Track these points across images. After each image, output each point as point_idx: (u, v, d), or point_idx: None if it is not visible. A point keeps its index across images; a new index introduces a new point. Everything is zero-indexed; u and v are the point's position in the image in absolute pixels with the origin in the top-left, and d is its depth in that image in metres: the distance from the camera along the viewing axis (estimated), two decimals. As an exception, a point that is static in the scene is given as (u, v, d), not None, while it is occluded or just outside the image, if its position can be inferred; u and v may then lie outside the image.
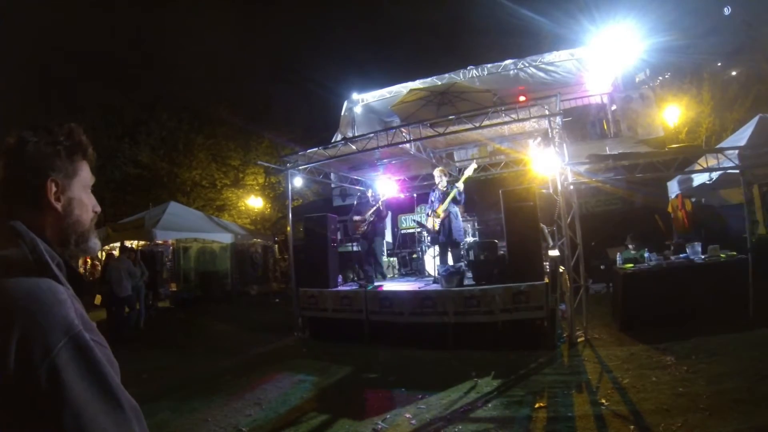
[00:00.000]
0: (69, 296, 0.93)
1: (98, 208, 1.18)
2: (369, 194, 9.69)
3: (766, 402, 3.93)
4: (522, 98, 10.54)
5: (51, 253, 0.98)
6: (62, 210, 1.06)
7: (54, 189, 1.05)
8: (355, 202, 10.26)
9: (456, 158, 12.05)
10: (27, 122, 1.09)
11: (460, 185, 8.44)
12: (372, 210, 9.19)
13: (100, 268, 13.30)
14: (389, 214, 10.70)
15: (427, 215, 8.88)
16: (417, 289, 8.10)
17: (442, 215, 8.50)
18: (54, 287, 0.92)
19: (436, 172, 8.89)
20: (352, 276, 10.21)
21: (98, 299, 10.65)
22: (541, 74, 11.80)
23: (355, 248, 10.95)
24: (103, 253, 13.47)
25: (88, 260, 17.39)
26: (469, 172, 8.63)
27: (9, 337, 0.82)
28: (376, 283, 8.90)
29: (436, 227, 8.60)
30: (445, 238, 8.54)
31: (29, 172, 1.03)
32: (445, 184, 8.73)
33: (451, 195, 8.43)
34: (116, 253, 12.15)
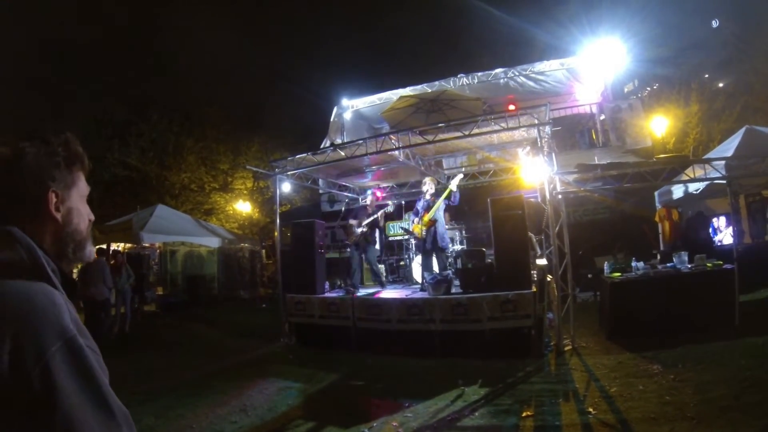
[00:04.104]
0: (64, 301, 0.93)
1: (92, 217, 1.19)
2: (368, 202, 9.55)
3: (752, 410, 3.94)
4: (511, 107, 10.61)
5: (47, 259, 0.97)
6: (62, 220, 1.07)
7: (54, 200, 1.05)
8: (343, 208, 10.15)
9: (445, 166, 12.07)
10: (20, 130, 1.08)
11: (448, 193, 8.45)
12: (369, 220, 9.11)
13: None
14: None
15: (413, 223, 8.86)
16: (404, 296, 8.06)
17: (428, 223, 8.50)
18: (49, 291, 0.91)
19: (426, 181, 8.90)
20: (339, 282, 10.15)
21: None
22: (531, 83, 11.90)
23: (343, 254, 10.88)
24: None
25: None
26: (455, 182, 8.65)
27: (2, 340, 0.81)
28: (365, 291, 8.81)
29: (422, 235, 8.60)
30: (431, 245, 8.54)
31: (30, 183, 1.02)
32: (432, 191, 8.73)
33: (437, 204, 8.47)
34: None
